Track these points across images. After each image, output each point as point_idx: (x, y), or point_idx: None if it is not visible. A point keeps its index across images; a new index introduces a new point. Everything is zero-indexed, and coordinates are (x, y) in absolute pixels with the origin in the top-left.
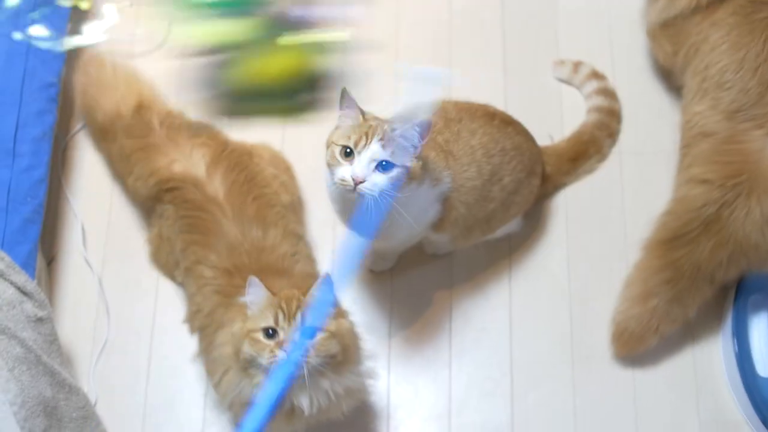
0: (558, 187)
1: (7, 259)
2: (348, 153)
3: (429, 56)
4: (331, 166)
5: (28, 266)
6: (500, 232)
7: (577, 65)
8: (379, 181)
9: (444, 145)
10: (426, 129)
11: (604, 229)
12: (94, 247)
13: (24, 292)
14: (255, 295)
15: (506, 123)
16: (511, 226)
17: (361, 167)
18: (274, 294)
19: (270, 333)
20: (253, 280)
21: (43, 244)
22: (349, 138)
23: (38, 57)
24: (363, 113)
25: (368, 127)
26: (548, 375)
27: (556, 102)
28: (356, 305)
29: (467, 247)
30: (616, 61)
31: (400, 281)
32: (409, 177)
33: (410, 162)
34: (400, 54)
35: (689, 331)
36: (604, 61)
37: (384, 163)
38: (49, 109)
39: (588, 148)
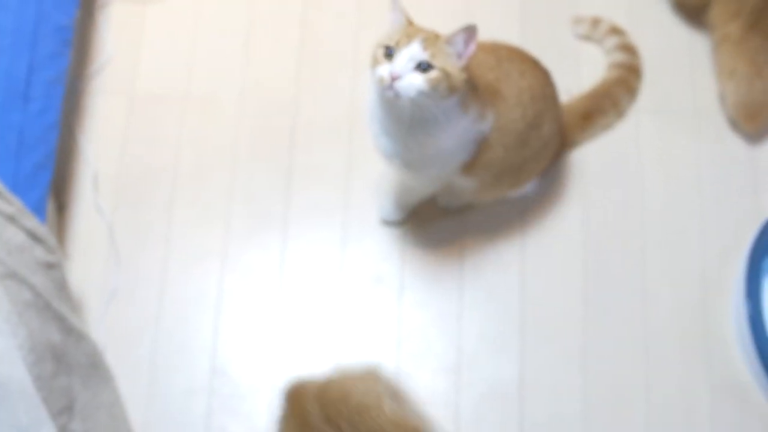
0: (573, 145)
1: (18, 203)
2: (389, 54)
3: (446, 13)
4: (373, 67)
5: (39, 211)
6: (520, 191)
7: (595, 21)
8: (416, 81)
9: (495, 82)
10: (472, 35)
11: (620, 189)
12: (105, 194)
13: (34, 237)
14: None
15: (546, 73)
16: (528, 187)
17: (399, 64)
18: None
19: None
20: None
21: (54, 191)
22: (392, 38)
23: (51, 0)
24: (410, 20)
25: (412, 30)
26: (559, 334)
27: (574, 60)
28: (367, 257)
29: (487, 201)
30: (636, 17)
31: (412, 234)
32: (450, 86)
33: (451, 68)
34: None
35: (703, 291)
36: (623, 17)
37: (423, 64)
38: (62, 52)
39: (604, 104)
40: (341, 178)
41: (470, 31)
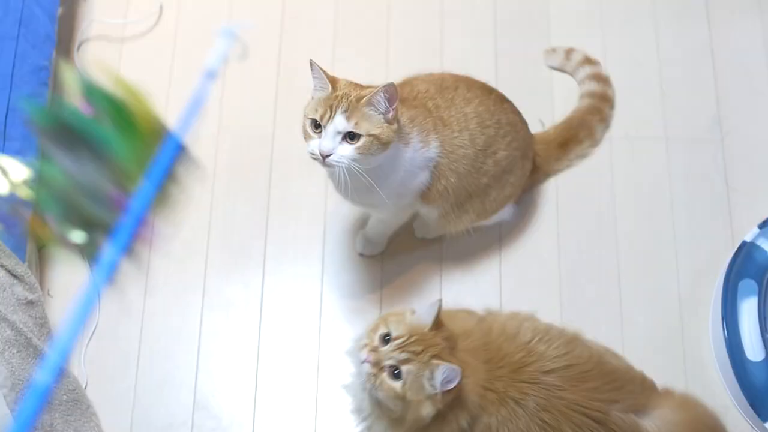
0: (549, 174)
1: None
2: (317, 126)
3: (419, 41)
4: (305, 138)
5: (18, 250)
6: (493, 219)
7: (569, 52)
8: (345, 152)
9: (434, 110)
10: (392, 94)
11: (595, 215)
12: None
13: (14, 275)
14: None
15: (503, 100)
16: (503, 214)
17: (327, 140)
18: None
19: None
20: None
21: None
22: (317, 111)
23: (29, 41)
24: (333, 82)
25: (334, 99)
26: None
27: (547, 90)
28: (345, 290)
29: (459, 230)
30: (608, 48)
31: (390, 266)
32: (381, 144)
33: (377, 129)
34: (391, 37)
35: (679, 315)
36: (596, 48)
37: (350, 133)
38: (40, 93)
39: (578, 133)
40: (318, 211)
41: (389, 89)
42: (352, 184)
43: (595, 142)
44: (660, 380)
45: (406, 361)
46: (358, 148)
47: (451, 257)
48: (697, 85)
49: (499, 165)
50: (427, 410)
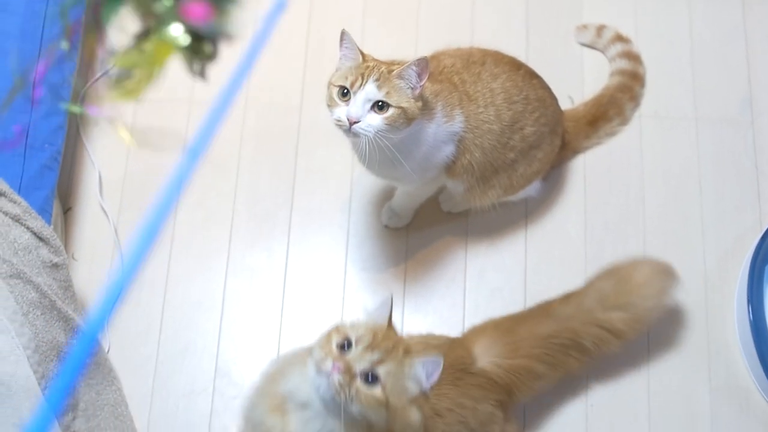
0: (578, 151)
1: (24, 204)
2: (345, 93)
3: (450, 16)
4: (330, 107)
5: (44, 212)
6: (519, 195)
7: (600, 29)
8: (373, 121)
9: (460, 85)
10: (424, 69)
11: (623, 194)
12: (110, 195)
13: (40, 238)
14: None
15: (532, 75)
16: (530, 190)
17: (356, 107)
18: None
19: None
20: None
21: (60, 193)
22: (347, 79)
23: (58, 6)
24: (363, 54)
25: (365, 68)
26: None
27: (578, 67)
28: (369, 261)
29: (485, 205)
30: (641, 25)
31: (415, 238)
32: (407, 118)
33: (406, 103)
34: (421, 12)
35: (704, 296)
36: (628, 25)
37: (380, 103)
38: (69, 56)
39: (608, 111)
40: (344, 182)
41: (422, 63)
42: (376, 156)
43: (624, 120)
44: (682, 360)
45: (380, 362)
46: (386, 119)
47: (476, 232)
48: (729, 66)
49: (526, 141)
50: (415, 415)
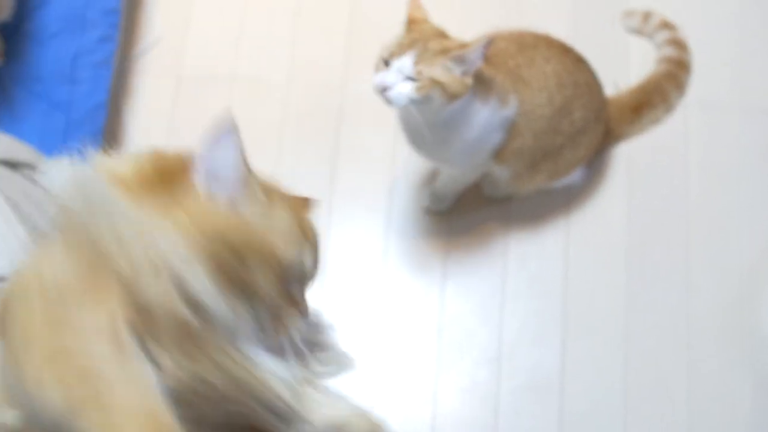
0: (621, 137)
1: None
2: (387, 62)
3: (495, 5)
4: (375, 72)
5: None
6: (563, 181)
7: (647, 15)
8: (405, 90)
9: (515, 69)
10: (484, 52)
11: (666, 182)
12: None
13: None
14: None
15: (580, 60)
16: (573, 177)
17: (389, 75)
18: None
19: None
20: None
21: None
22: (389, 48)
23: None
24: (413, 23)
25: (409, 40)
26: (601, 325)
27: (623, 53)
28: (410, 244)
29: (529, 191)
30: (688, 12)
31: (456, 223)
32: (447, 93)
33: (445, 78)
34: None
35: (745, 286)
36: (675, 12)
37: (413, 77)
38: (110, 36)
39: (653, 98)
40: (387, 164)
41: (486, 46)
42: (423, 135)
43: (669, 108)
44: (722, 350)
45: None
46: (419, 89)
47: (518, 218)
48: None
49: (574, 125)
50: (462, 83)
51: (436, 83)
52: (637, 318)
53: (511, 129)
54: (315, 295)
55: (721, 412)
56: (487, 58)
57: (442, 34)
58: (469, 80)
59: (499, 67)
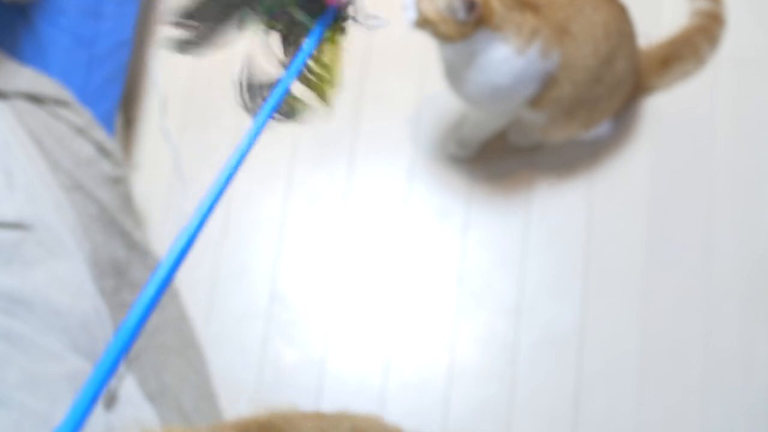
0: (649, 90)
1: (87, 115)
2: None
3: None
4: None
5: (107, 125)
6: (592, 132)
7: None
8: (410, 17)
9: (564, 21)
10: (472, 9)
11: (692, 138)
12: (172, 114)
13: (102, 150)
14: None
15: (624, 9)
16: (601, 129)
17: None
18: None
19: None
20: None
21: (122, 107)
22: None
23: None
24: None
25: None
26: (621, 281)
27: (655, 5)
28: (433, 190)
29: (558, 140)
30: None
31: (480, 171)
32: (438, 33)
33: (436, 17)
34: None
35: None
36: None
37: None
38: None
39: (683, 51)
40: (411, 109)
41: (466, 5)
42: (459, 71)
43: (700, 61)
44: (742, 310)
45: None
46: (415, 21)
47: (542, 169)
48: None
49: (615, 76)
50: (454, 29)
51: (427, 21)
52: (657, 275)
53: (549, 80)
54: (337, 240)
55: (738, 368)
56: (537, 8)
57: None
58: (464, 29)
59: (549, 19)
